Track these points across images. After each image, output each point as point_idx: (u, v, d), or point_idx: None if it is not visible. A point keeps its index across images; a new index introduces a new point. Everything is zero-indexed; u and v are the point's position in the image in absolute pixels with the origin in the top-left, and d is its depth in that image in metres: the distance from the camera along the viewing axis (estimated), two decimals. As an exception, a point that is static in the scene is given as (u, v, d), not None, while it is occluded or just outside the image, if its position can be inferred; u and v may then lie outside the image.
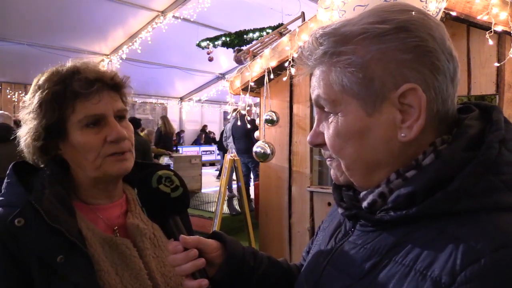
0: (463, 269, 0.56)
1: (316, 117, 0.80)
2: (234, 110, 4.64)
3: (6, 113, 4.76)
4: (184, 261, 0.87)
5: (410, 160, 0.70)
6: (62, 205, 0.98)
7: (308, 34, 3.52)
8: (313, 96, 0.78)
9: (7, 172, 1.02)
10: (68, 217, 0.97)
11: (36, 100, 1.02)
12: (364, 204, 0.75)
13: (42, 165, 1.07)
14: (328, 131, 0.75)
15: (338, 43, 0.71)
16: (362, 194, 0.76)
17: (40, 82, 1.04)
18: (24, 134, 1.05)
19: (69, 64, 1.07)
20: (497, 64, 3.13)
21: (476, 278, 0.54)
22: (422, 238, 0.64)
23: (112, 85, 1.07)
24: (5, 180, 1.01)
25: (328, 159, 0.80)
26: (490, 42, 2.97)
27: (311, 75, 0.80)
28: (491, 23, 2.89)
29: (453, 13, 3.08)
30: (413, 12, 0.70)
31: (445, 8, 3.05)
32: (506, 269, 0.54)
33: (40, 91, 1.02)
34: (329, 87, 0.72)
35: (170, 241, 0.93)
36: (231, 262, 0.94)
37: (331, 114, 0.74)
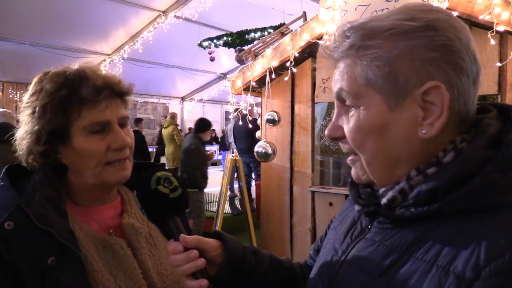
0: (487, 264, 0.56)
1: (335, 110, 0.80)
2: (236, 110, 4.64)
3: (8, 111, 4.69)
4: (184, 261, 0.87)
5: (430, 157, 0.71)
6: (53, 207, 0.97)
7: (310, 35, 3.48)
8: (335, 89, 0.78)
9: (0, 175, 1.02)
10: (59, 219, 0.97)
11: (40, 102, 1.00)
12: (384, 200, 0.75)
13: (37, 166, 1.06)
14: (348, 124, 0.76)
15: (366, 37, 0.71)
16: (381, 190, 0.76)
17: (44, 83, 1.02)
18: (24, 137, 1.04)
19: (75, 67, 1.05)
20: (499, 64, 3.12)
21: (501, 273, 0.55)
22: (442, 234, 0.65)
23: (119, 92, 1.07)
24: None
25: (351, 157, 0.80)
26: (492, 42, 2.97)
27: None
28: (493, 23, 2.88)
29: (455, 13, 3.08)
30: (441, 13, 0.71)
31: (446, 8, 3.04)
32: None
33: (44, 94, 1.00)
34: (353, 80, 0.73)
35: (170, 241, 0.93)
36: (232, 261, 0.94)
37: (352, 108, 0.75)
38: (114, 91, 1.05)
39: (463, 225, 0.63)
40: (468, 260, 0.59)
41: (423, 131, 0.69)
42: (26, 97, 1.05)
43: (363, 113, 0.73)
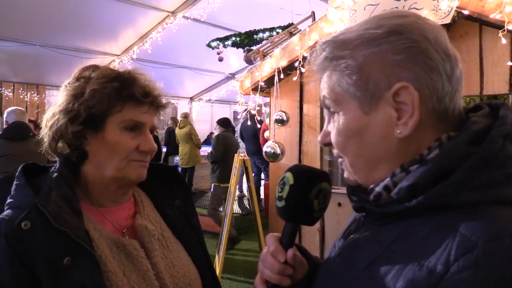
0: (456, 259, 0.58)
1: (326, 117, 0.85)
2: (245, 110, 4.64)
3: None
4: (276, 271, 0.85)
5: (414, 156, 0.72)
6: (68, 206, 0.98)
7: (318, 35, 3.48)
8: (321, 98, 0.83)
9: (16, 174, 1.03)
10: (75, 219, 0.98)
11: (89, 87, 1.04)
12: (371, 197, 0.77)
13: (57, 154, 1.09)
14: (333, 130, 0.80)
15: (337, 48, 0.77)
16: (370, 187, 0.79)
17: (94, 73, 1.07)
18: (57, 114, 1.06)
19: (125, 69, 1.13)
20: (510, 63, 3.09)
21: (468, 268, 0.56)
22: (422, 230, 0.67)
23: (158, 104, 1.14)
24: (14, 182, 1.02)
25: (339, 159, 0.83)
26: (503, 41, 2.94)
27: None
28: (504, 21, 2.85)
29: (466, 12, 3.05)
30: (408, 17, 0.74)
31: (457, 7, 3.02)
32: (497, 260, 0.56)
33: (94, 81, 1.05)
34: (331, 89, 0.78)
35: (271, 235, 0.89)
36: (309, 282, 0.92)
37: (335, 114, 0.79)
38: (156, 101, 1.12)
39: (442, 221, 0.65)
40: (440, 255, 0.60)
41: (398, 131, 0.72)
42: (69, 80, 1.10)
43: (342, 118, 0.77)
